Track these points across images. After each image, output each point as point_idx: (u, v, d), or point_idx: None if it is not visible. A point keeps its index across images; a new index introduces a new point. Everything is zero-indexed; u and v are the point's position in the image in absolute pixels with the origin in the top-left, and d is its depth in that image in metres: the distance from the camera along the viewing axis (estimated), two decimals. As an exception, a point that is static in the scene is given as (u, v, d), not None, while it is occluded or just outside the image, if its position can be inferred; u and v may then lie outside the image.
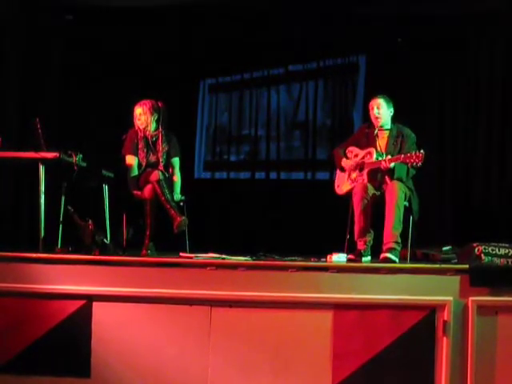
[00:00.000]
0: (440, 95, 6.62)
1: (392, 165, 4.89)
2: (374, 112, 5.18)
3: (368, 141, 5.23)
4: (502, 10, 6.12)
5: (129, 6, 6.38)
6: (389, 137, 5.17)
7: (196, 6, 6.32)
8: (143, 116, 5.45)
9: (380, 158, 5.04)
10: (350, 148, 5.31)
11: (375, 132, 5.17)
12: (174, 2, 6.32)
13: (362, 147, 5.23)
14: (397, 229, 4.78)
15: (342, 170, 5.30)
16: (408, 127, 5.22)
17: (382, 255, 4.71)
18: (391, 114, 5.22)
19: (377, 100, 5.21)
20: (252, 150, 7.47)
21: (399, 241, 4.77)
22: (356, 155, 5.24)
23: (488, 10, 6.18)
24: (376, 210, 4.98)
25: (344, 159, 5.29)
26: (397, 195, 4.81)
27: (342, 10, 6.28)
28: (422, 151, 4.75)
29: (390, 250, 4.71)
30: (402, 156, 4.86)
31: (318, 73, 7.30)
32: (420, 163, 4.75)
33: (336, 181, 5.37)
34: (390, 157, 4.95)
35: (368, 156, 5.13)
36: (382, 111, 5.18)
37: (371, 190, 4.98)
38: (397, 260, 4.69)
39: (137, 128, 5.50)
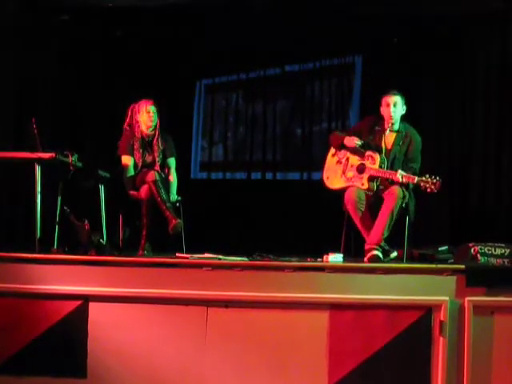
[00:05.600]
0: (437, 95, 6.62)
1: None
2: (391, 110, 4.93)
3: (374, 137, 5.01)
4: (499, 9, 6.13)
5: (126, 5, 6.38)
6: (396, 136, 4.99)
7: (193, 6, 6.32)
8: (155, 114, 5.43)
9: (383, 166, 4.87)
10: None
11: (386, 133, 4.98)
12: (171, 3, 6.32)
13: (364, 139, 5.01)
14: (385, 234, 4.76)
15: (342, 147, 5.05)
16: (414, 128, 5.10)
17: (370, 253, 4.70)
18: (403, 112, 5.02)
19: (393, 97, 4.94)
20: (248, 151, 7.46)
21: (383, 245, 4.78)
22: None
23: (485, 9, 6.19)
24: (375, 210, 4.98)
25: (347, 137, 5.02)
26: (395, 201, 4.74)
27: (338, 9, 6.28)
28: (438, 178, 4.61)
29: (376, 249, 4.72)
30: (417, 178, 4.67)
31: (315, 73, 7.30)
32: (435, 191, 4.63)
33: (325, 171, 5.18)
34: (401, 172, 4.73)
35: (370, 159, 4.92)
36: (398, 110, 4.96)
37: (363, 196, 4.90)
38: (382, 258, 4.72)
39: (138, 125, 5.43)
